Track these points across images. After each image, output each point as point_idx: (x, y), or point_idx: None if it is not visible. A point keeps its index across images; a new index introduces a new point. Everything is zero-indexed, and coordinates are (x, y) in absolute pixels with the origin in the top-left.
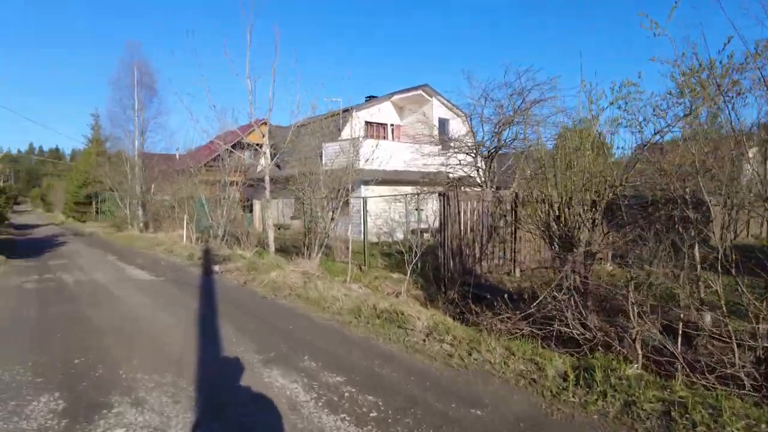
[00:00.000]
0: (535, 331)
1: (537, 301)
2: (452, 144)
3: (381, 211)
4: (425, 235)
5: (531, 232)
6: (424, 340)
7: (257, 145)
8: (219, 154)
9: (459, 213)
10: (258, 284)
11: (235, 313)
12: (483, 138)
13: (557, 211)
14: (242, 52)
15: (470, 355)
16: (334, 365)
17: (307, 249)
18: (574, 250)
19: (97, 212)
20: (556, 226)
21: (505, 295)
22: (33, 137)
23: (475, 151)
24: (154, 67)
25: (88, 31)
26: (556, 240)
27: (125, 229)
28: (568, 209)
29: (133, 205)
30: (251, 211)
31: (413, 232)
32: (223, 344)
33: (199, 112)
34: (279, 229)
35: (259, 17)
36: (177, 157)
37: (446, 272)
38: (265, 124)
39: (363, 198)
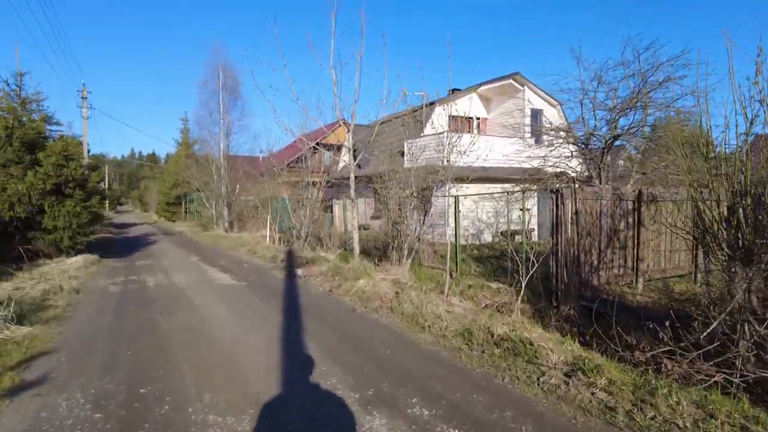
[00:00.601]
0: (728, 377)
1: (708, 330)
2: (556, 134)
3: (467, 211)
4: (516, 237)
5: (682, 237)
6: (567, 383)
7: (337, 146)
8: (301, 155)
9: (575, 214)
10: (345, 293)
11: (322, 331)
12: (595, 126)
13: (728, 212)
14: (326, 42)
15: (642, 411)
16: (453, 416)
17: (396, 252)
18: (754, 262)
19: (185, 212)
20: (725, 231)
21: (641, 318)
22: (134, 143)
23: (584, 142)
24: (238, 69)
25: (180, 34)
26: (724, 249)
27: (211, 228)
28: (757, 208)
29: (219, 205)
30: (331, 211)
31: (503, 234)
32: (312, 374)
33: (282, 107)
34: (360, 229)
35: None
36: (260, 159)
37: (559, 283)
38: (346, 123)
39: (455, 196)
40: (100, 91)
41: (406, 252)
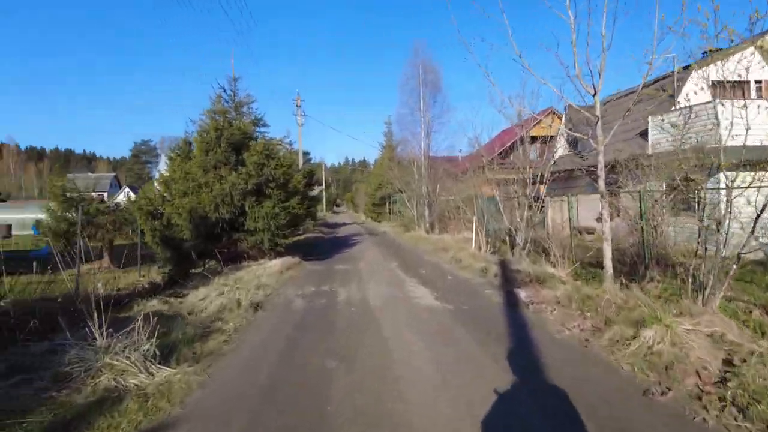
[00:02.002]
0: None
1: None
2: None
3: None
4: None
5: None
6: None
7: (548, 137)
8: (514, 142)
9: None
10: (616, 350)
11: None
12: None
13: None
14: None
15: None
16: None
17: (690, 281)
18: None
19: (389, 212)
20: None
21: None
22: (348, 151)
23: None
24: (437, 61)
25: (386, 37)
26: None
27: (412, 229)
28: None
29: (420, 205)
30: (539, 210)
31: None
32: None
33: (496, 76)
34: (579, 234)
35: None
36: (459, 158)
37: None
38: (588, 87)
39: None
40: (314, 99)
41: (712, 280)
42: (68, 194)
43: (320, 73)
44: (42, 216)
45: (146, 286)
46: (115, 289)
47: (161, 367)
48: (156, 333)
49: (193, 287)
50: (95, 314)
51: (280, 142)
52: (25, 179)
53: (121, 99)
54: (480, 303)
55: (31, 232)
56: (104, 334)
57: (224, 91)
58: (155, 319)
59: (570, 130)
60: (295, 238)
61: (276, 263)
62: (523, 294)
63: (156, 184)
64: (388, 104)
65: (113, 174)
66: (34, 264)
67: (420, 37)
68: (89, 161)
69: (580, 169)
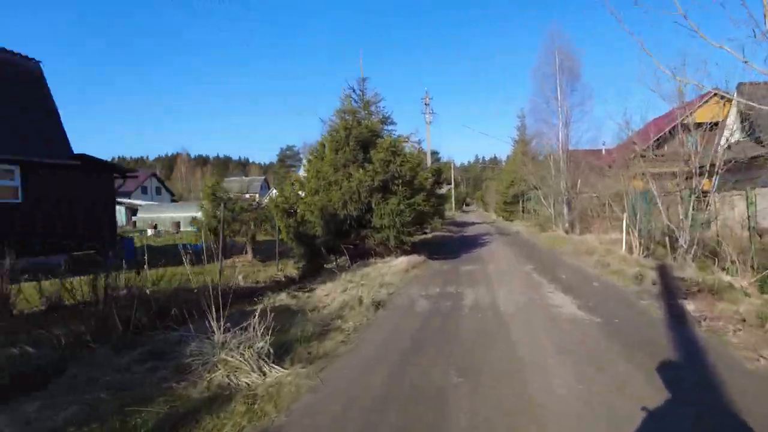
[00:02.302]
0: None
1: None
2: None
3: None
4: None
5: None
6: None
7: (710, 124)
8: (668, 133)
9: None
10: None
11: None
12: None
13: None
14: None
15: None
16: None
17: None
18: None
19: (522, 211)
20: None
21: None
22: (477, 149)
23: None
24: (576, 44)
25: (517, 23)
26: None
27: (549, 228)
28: None
29: (558, 203)
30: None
31: None
32: None
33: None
34: (760, 236)
35: None
36: (603, 151)
37: None
38: None
39: None
40: (442, 97)
41: None
42: (217, 194)
43: (449, 71)
44: (197, 214)
45: (282, 279)
46: (254, 282)
47: (274, 366)
48: (272, 329)
49: (321, 282)
50: (212, 308)
51: (406, 139)
52: (193, 182)
53: (268, 108)
54: (635, 316)
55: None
56: (222, 328)
57: (353, 91)
58: (274, 315)
59: (747, 109)
60: (422, 237)
61: (401, 261)
62: (691, 307)
63: (292, 183)
64: (521, 97)
65: (263, 177)
66: (186, 256)
67: (554, 19)
68: (243, 166)
69: (762, 157)
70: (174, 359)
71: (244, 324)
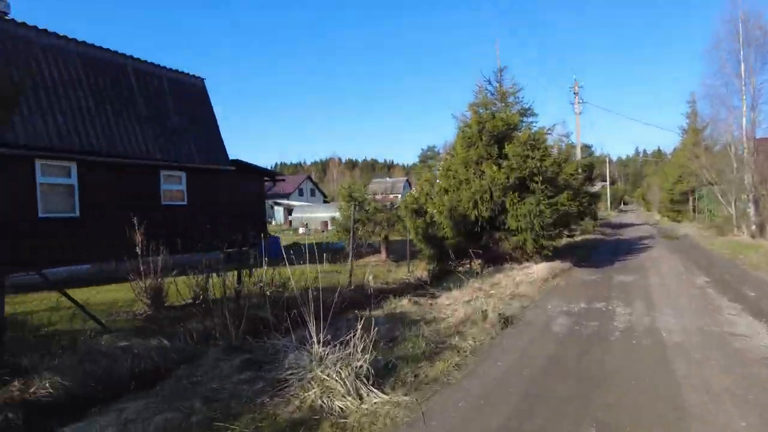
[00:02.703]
0: None
1: None
2: None
3: None
4: None
5: None
6: None
7: None
8: None
9: None
10: None
11: None
12: None
13: None
14: None
15: None
16: None
17: None
18: None
19: (693, 210)
20: None
21: None
22: (637, 141)
23: None
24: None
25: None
26: None
27: (728, 232)
28: None
29: (741, 201)
30: None
31: None
32: None
33: None
34: None
35: None
36: None
37: None
38: None
39: None
40: (595, 86)
41: None
42: (352, 195)
43: (602, 57)
44: (336, 214)
45: (412, 281)
46: (384, 283)
47: (373, 390)
48: (377, 342)
49: (446, 288)
50: (312, 318)
51: (548, 131)
52: (343, 185)
53: (411, 109)
54: None
55: None
56: (321, 340)
57: (489, 83)
58: (388, 325)
59: None
60: (567, 240)
61: (540, 268)
62: None
63: (421, 182)
64: (690, 81)
65: (405, 178)
66: (324, 255)
67: None
68: (388, 168)
69: None
70: (274, 370)
71: (345, 337)
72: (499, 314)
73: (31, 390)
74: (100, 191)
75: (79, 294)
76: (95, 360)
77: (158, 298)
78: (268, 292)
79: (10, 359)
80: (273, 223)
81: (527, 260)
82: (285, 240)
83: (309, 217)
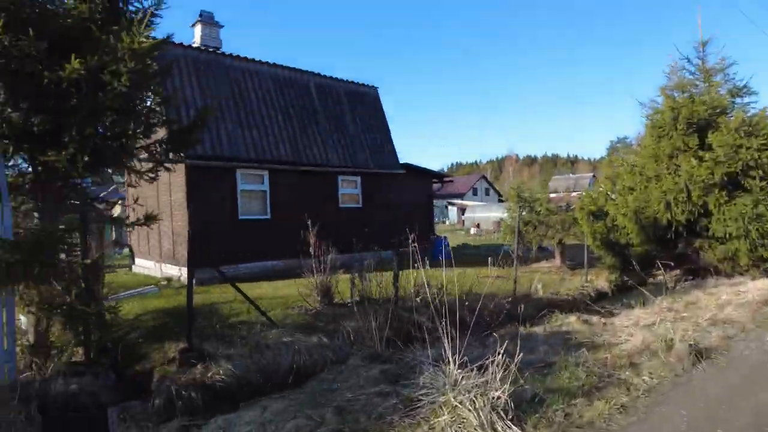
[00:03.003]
0: None
1: None
2: None
3: None
4: None
5: None
6: None
7: None
8: None
9: None
10: None
11: None
12: None
13: None
14: None
15: None
16: None
17: None
18: None
19: None
20: None
21: None
22: None
23: None
24: None
25: None
26: None
27: None
28: None
29: None
30: None
31: None
32: None
33: None
34: None
35: None
36: None
37: None
38: None
39: None
40: None
41: None
42: (521, 195)
43: None
44: (505, 215)
45: (590, 293)
46: (553, 293)
47: (511, 427)
48: (521, 366)
49: (627, 306)
50: (447, 335)
51: None
52: (512, 184)
53: (597, 98)
54: None
55: None
56: (457, 361)
57: (687, 61)
58: (546, 347)
59: None
60: None
61: (758, 286)
62: None
63: (601, 180)
64: None
65: (591, 174)
66: (489, 258)
67: None
68: (572, 163)
69: None
70: (408, 387)
71: (485, 360)
72: (690, 344)
73: (209, 374)
74: (287, 196)
75: (267, 288)
76: (262, 352)
77: (327, 295)
78: (418, 299)
79: (198, 344)
80: (446, 223)
81: (740, 274)
82: (454, 240)
83: (481, 217)
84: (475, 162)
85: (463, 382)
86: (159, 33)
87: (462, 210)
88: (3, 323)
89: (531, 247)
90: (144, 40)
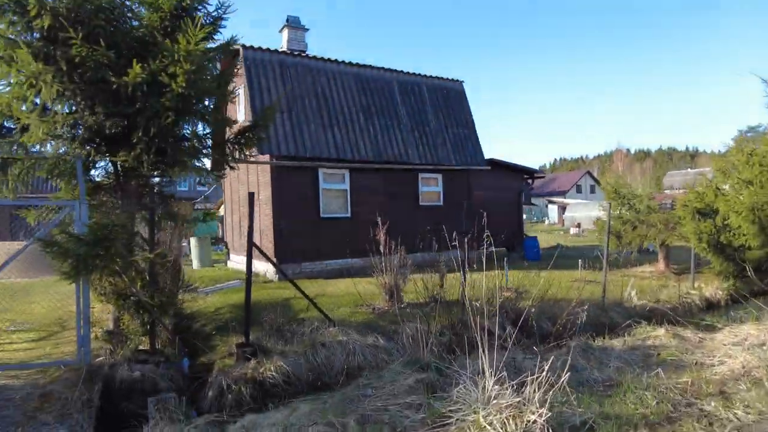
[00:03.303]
0: None
1: None
2: None
3: None
4: None
5: None
6: None
7: None
8: None
9: None
10: None
11: None
12: None
13: None
14: None
15: None
16: None
17: None
18: None
19: None
20: None
21: None
22: None
23: None
24: None
25: None
26: None
27: None
28: None
29: None
30: None
31: None
32: None
33: None
34: None
35: None
36: None
37: None
38: None
39: None
40: None
41: None
42: (619, 192)
43: None
44: (600, 213)
45: (696, 302)
46: (652, 300)
47: None
48: (568, 386)
49: (737, 319)
50: (482, 345)
51: None
52: (630, 178)
53: (724, 88)
54: None
55: None
56: (494, 374)
57: None
58: (618, 364)
59: None
60: None
61: None
62: None
63: (713, 173)
64: None
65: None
66: (580, 261)
67: None
68: (692, 157)
69: None
70: (441, 399)
71: (523, 377)
72: None
73: (261, 370)
74: (367, 194)
75: (342, 285)
76: (317, 350)
77: (394, 295)
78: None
79: (257, 339)
80: (546, 222)
81: None
82: (548, 240)
83: (582, 216)
84: (581, 157)
85: (497, 401)
86: (228, 35)
87: (563, 208)
88: (80, 311)
89: (631, 249)
90: (201, 43)
